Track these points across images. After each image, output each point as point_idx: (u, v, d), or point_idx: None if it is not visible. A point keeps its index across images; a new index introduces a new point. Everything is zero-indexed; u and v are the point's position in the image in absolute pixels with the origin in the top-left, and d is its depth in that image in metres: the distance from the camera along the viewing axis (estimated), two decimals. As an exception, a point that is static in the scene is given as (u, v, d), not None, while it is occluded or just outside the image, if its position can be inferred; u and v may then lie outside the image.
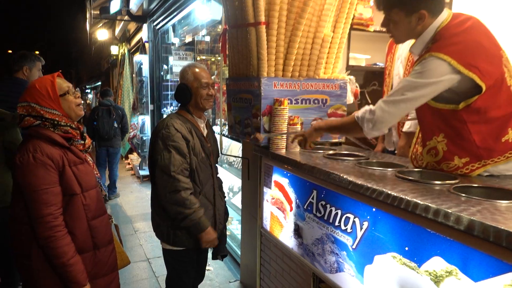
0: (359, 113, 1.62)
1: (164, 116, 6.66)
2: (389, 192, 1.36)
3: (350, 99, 2.53)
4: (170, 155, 1.95)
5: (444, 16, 1.56)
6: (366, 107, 1.59)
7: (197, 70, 2.12)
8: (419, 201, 1.25)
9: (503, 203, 1.23)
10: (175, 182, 1.93)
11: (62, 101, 1.68)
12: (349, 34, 2.65)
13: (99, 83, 18.01)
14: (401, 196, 1.31)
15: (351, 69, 2.78)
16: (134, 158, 8.33)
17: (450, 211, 1.15)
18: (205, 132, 2.22)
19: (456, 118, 1.52)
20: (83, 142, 1.76)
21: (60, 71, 1.81)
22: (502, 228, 1.00)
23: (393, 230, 1.39)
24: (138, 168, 7.35)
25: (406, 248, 1.33)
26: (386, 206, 1.40)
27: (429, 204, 1.21)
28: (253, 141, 2.35)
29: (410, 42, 2.18)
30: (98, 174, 1.87)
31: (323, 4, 2.23)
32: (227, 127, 2.85)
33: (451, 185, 1.42)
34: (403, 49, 2.39)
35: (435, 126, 1.60)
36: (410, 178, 1.54)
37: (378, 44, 2.94)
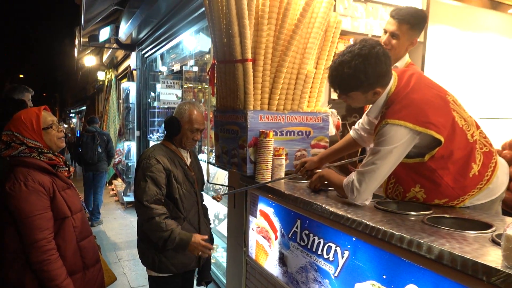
0: (345, 181, 1.75)
1: (150, 142, 6.71)
2: (368, 222, 1.45)
3: (332, 131, 2.65)
4: (145, 185, 2.03)
5: (391, 81, 1.71)
6: (352, 176, 1.70)
7: (195, 112, 2.22)
8: (394, 232, 1.34)
9: (472, 233, 1.33)
10: (148, 210, 2.00)
11: (45, 134, 1.78)
12: (331, 69, 2.80)
13: (84, 107, 17.96)
14: (378, 226, 1.41)
15: (333, 103, 2.92)
16: (119, 184, 8.27)
17: (422, 241, 1.24)
18: (188, 161, 2.31)
19: (425, 168, 1.67)
20: (67, 169, 1.86)
21: (45, 106, 1.89)
22: (468, 257, 1.10)
23: (371, 259, 1.47)
24: (122, 194, 7.30)
25: (384, 276, 1.41)
26: (365, 236, 1.49)
27: (403, 235, 1.30)
28: (239, 170, 2.43)
29: None
30: (82, 198, 1.98)
31: (306, 42, 2.38)
32: (214, 156, 2.93)
33: (425, 216, 1.52)
34: None
35: (410, 179, 1.73)
36: (388, 209, 1.64)
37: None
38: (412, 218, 1.52)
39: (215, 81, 2.65)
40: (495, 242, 1.22)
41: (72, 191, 1.84)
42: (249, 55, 2.26)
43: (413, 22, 2.23)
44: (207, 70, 5.51)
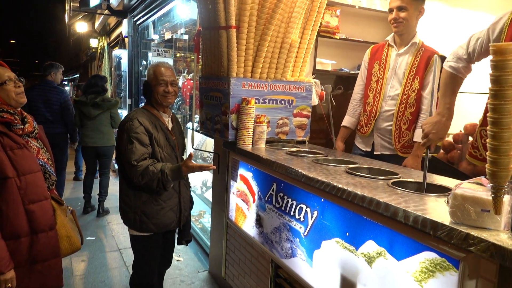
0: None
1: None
2: (335, 184, 1.54)
3: (315, 100, 2.71)
4: (132, 146, 2.08)
5: None
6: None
7: (159, 68, 2.25)
8: (357, 192, 1.42)
9: (431, 195, 1.42)
10: (138, 168, 2.06)
11: (1, 90, 1.72)
12: (316, 40, 2.82)
13: (77, 75, 17.75)
14: (344, 187, 1.49)
15: (318, 73, 2.95)
16: (110, 152, 8.32)
17: (381, 200, 1.33)
18: (170, 125, 2.36)
19: None
20: (22, 127, 1.76)
21: (1, 61, 1.84)
22: (419, 214, 1.19)
23: (337, 218, 1.56)
24: (114, 161, 7.38)
25: (347, 234, 1.51)
26: (332, 197, 1.57)
27: (365, 195, 1.39)
28: (221, 136, 2.49)
29: (403, 58, 2.44)
30: (45, 159, 1.87)
31: (291, 12, 2.39)
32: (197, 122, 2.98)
33: (390, 179, 1.61)
34: (400, 62, 2.58)
35: None
36: (358, 173, 1.73)
37: (344, 50, 3.13)
38: (380, 182, 1.60)
39: (200, 48, 2.67)
40: (448, 203, 1.31)
41: (24, 151, 1.72)
42: (233, 22, 2.27)
43: None
44: (193, 39, 5.51)
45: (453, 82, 1.99)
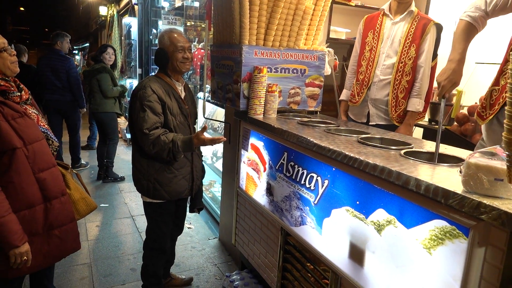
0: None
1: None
2: (347, 153, 1.54)
3: (328, 70, 2.66)
4: (144, 114, 2.09)
5: None
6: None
7: (173, 34, 2.23)
8: (369, 161, 1.42)
9: (444, 165, 1.41)
10: (150, 136, 2.07)
11: None
12: (331, 7, 2.75)
13: (87, 44, 17.66)
14: (356, 156, 1.49)
15: (331, 42, 2.89)
16: (121, 121, 8.39)
17: (393, 169, 1.32)
18: (183, 94, 2.36)
19: None
20: (19, 94, 1.71)
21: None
22: (431, 182, 1.19)
23: (348, 187, 1.57)
24: (125, 131, 7.44)
25: (357, 202, 1.52)
26: (344, 166, 1.58)
27: (377, 163, 1.39)
28: (232, 105, 2.49)
29: (399, 26, 2.42)
30: (46, 126, 1.84)
31: (306, -24, 2.32)
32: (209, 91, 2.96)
33: (402, 149, 1.60)
34: (395, 30, 2.56)
35: None
36: (370, 143, 1.72)
37: (359, 18, 3.05)
38: (392, 152, 1.59)
39: (212, 15, 2.62)
40: (461, 172, 1.31)
41: (26, 120, 1.67)
42: (246, -13, 2.22)
43: None
44: (205, 5, 5.39)
45: (468, 30, 1.95)
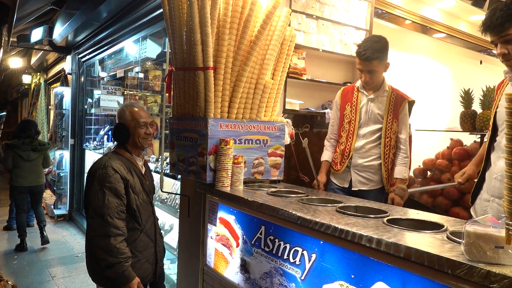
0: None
1: (86, 151, 6.33)
2: (336, 225, 1.53)
3: (287, 140, 2.74)
4: (104, 197, 1.92)
5: None
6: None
7: (135, 109, 2.18)
8: (363, 233, 1.43)
9: (427, 232, 1.47)
10: (107, 227, 1.89)
11: None
12: (286, 81, 2.91)
13: (4, 112, 16.42)
14: (347, 228, 1.49)
15: (287, 113, 3.02)
16: (47, 196, 7.66)
17: (390, 240, 1.34)
18: (143, 170, 2.25)
19: None
20: None
21: None
22: (434, 253, 1.21)
23: (339, 260, 1.55)
24: (52, 207, 6.78)
25: (352, 276, 1.49)
26: (334, 238, 1.56)
27: (372, 235, 1.39)
28: (197, 178, 2.41)
29: (375, 101, 2.60)
30: None
31: (265, 54, 2.45)
32: (161, 164, 2.86)
33: (383, 217, 1.64)
34: (371, 107, 2.75)
35: None
36: (349, 212, 1.74)
37: (310, 91, 3.26)
38: (373, 221, 1.62)
39: (172, 88, 2.61)
40: (450, 239, 1.36)
41: None
42: (211, 63, 2.27)
43: (381, 56, 2.57)
44: (149, 77, 5.39)
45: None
